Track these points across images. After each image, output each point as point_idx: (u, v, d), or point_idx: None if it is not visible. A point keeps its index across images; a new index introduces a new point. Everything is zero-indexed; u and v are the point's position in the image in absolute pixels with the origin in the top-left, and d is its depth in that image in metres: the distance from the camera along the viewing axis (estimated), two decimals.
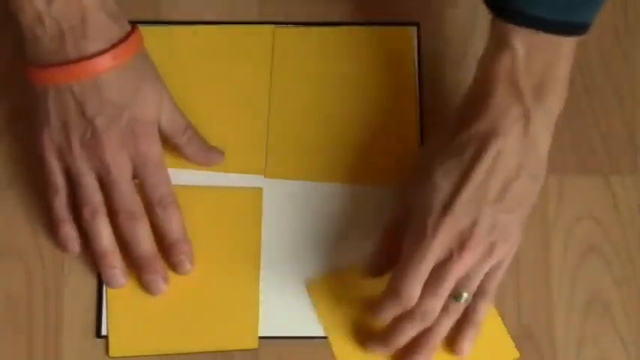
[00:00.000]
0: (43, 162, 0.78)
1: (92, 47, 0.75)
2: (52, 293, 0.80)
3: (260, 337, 0.79)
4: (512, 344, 0.79)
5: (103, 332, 0.79)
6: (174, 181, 0.79)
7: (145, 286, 0.78)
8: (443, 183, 0.73)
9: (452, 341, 0.78)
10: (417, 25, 0.84)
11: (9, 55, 0.84)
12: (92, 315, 0.79)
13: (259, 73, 0.84)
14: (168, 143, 0.80)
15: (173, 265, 0.79)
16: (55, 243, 0.80)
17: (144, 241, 0.78)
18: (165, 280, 0.79)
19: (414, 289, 0.73)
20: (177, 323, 0.79)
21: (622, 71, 0.85)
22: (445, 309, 0.75)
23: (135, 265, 0.79)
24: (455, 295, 0.74)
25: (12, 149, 0.82)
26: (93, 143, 0.76)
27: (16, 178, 0.81)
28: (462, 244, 0.73)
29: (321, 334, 0.79)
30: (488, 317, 0.78)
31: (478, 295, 0.76)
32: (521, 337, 0.80)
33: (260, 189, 0.82)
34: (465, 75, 0.84)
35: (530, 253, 0.81)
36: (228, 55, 0.84)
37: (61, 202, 0.78)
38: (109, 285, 0.79)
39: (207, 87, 0.83)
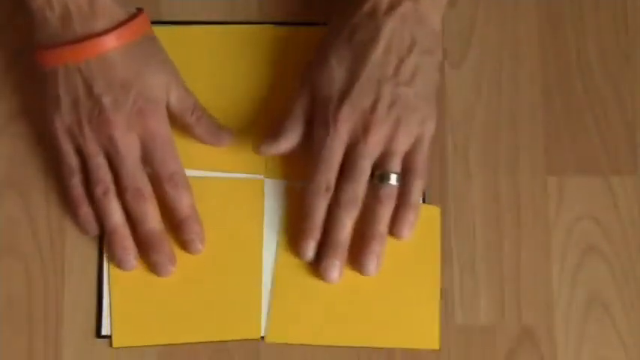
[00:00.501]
0: (56, 145, 0.79)
1: (98, 26, 0.77)
2: (52, 293, 0.80)
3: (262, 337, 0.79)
4: (437, 334, 0.79)
5: (103, 332, 0.79)
6: None
7: (152, 268, 0.79)
8: (338, 70, 0.77)
9: (392, 228, 0.79)
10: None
11: (8, 56, 0.84)
12: (92, 315, 0.79)
13: (259, 73, 0.84)
14: (177, 123, 0.80)
15: (184, 244, 0.79)
16: (53, 241, 0.80)
17: (151, 219, 0.78)
18: (173, 261, 0.79)
19: (327, 178, 0.77)
20: (179, 314, 0.79)
21: (622, 71, 0.85)
22: (377, 195, 0.77)
23: (142, 246, 0.79)
24: (382, 177, 0.77)
25: (12, 149, 0.82)
26: (101, 122, 0.77)
27: (16, 178, 0.81)
28: (365, 125, 0.77)
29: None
30: (426, 301, 0.79)
31: (407, 174, 0.78)
32: (521, 337, 0.80)
33: (261, 180, 0.82)
34: (466, 75, 0.84)
35: (530, 253, 0.81)
36: (228, 55, 0.84)
37: (77, 184, 0.79)
38: (120, 266, 0.79)
39: (207, 87, 0.83)
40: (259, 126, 0.83)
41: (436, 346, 0.79)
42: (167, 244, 0.79)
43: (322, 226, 0.78)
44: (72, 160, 0.79)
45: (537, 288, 0.81)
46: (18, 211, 0.81)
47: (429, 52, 0.79)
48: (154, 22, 0.83)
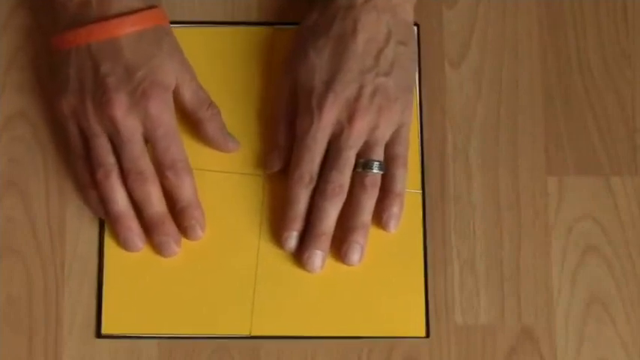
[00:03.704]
0: (63, 127, 0.79)
1: (114, 10, 0.78)
2: (52, 293, 0.80)
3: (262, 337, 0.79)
4: (423, 322, 0.79)
5: (103, 332, 0.79)
6: None
7: (157, 249, 0.79)
8: (318, 61, 0.79)
9: (378, 219, 0.79)
10: (417, 25, 0.84)
11: (8, 56, 0.84)
12: (92, 315, 0.79)
13: (259, 73, 0.84)
14: (190, 118, 0.81)
15: (184, 230, 0.79)
16: (53, 241, 0.80)
17: (154, 201, 0.78)
18: (178, 242, 0.79)
19: (311, 168, 0.78)
20: (171, 305, 0.79)
21: (622, 71, 0.85)
22: (361, 183, 0.78)
23: (147, 229, 0.79)
24: (365, 166, 0.78)
25: (12, 149, 0.82)
26: (104, 102, 0.77)
27: (16, 178, 0.81)
28: (349, 115, 0.78)
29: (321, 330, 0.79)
30: (411, 289, 0.79)
31: (390, 161, 0.79)
32: (521, 337, 0.80)
33: (260, 176, 0.82)
34: (465, 75, 0.84)
35: (530, 253, 0.81)
36: (228, 55, 0.84)
37: (82, 166, 0.79)
38: (126, 248, 0.79)
39: (207, 87, 0.83)
40: (259, 126, 0.83)
41: (422, 334, 0.79)
42: (171, 225, 0.79)
43: (305, 216, 0.79)
44: (77, 141, 0.79)
45: (537, 288, 0.81)
46: (18, 211, 0.81)
47: (404, 42, 0.80)
48: None
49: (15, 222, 0.81)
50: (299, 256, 0.79)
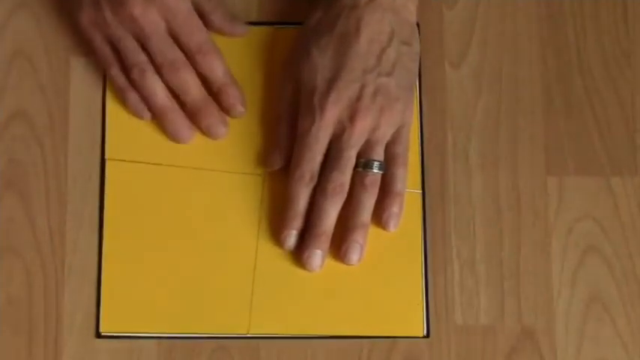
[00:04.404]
0: (89, 41, 0.81)
1: None
2: (52, 293, 0.80)
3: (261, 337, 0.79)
4: (422, 322, 0.79)
5: (103, 332, 0.79)
6: None
7: (206, 133, 0.81)
8: (321, 60, 0.79)
9: (379, 218, 0.79)
10: (417, 25, 0.84)
11: (8, 56, 0.84)
12: (92, 315, 0.79)
13: (259, 73, 0.84)
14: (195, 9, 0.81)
15: (226, 110, 0.81)
16: (53, 241, 0.80)
17: (192, 87, 0.80)
18: (225, 123, 0.81)
19: (312, 167, 0.78)
20: (170, 305, 0.79)
21: (622, 71, 0.85)
22: (362, 182, 0.78)
23: (192, 118, 0.80)
24: (366, 166, 0.78)
25: (12, 149, 0.82)
26: (119, 4, 0.78)
27: (16, 178, 0.81)
28: (351, 114, 0.78)
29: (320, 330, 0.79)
30: (409, 289, 0.79)
31: (390, 161, 0.79)
32: (521, 337, 0.80)
33: (260, 176, 0.82)
34: (465, 75, 0.84)
35: (530, 253, 0.81)
36: (228, 55, 0.84)
37: (117, 73, 0.81)
38: (176, 140, 0.81)
39: None
40: (259, 126, 0.83)
41: (422, 334, 0.79)
42: (215, 107, 0.81)
43: (305, 215, 0.79)
44: (105, 50, 0.80)
45: (537, 288, 0.81)
46: (18, 211, 0.81)
47: (407, 42, 0.80)
48: None
49: (15, 222, 0.81)
50: (299, 256, 0.79)
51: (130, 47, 0.79)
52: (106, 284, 0.79)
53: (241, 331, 0.79)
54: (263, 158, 0.82)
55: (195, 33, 0.80)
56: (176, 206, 0.81)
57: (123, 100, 0.81)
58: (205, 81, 0.81)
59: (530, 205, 0.82)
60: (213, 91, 0.81)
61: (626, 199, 0.82)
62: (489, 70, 0.84)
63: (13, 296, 0.80)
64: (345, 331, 0.79)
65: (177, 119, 0.80)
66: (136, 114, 0.81)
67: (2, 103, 0.83)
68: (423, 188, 0.82)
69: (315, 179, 0.79)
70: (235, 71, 0.83)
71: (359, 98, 0.78)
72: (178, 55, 0.79)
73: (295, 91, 0.81)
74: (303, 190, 0.79)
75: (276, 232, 0.80)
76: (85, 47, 0.82)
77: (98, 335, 0.79)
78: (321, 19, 0.81)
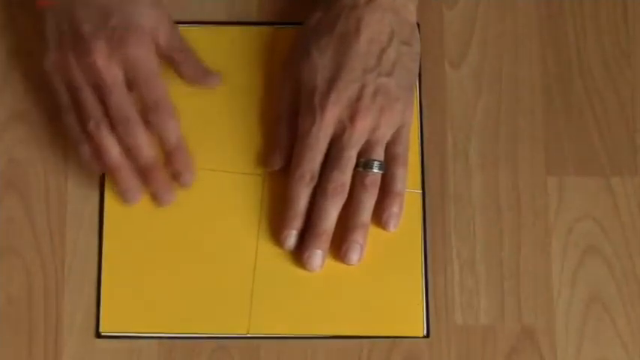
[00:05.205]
0: (50, 85, 0.79)
1: None
2: (52, 293, 0.80)
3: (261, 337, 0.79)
4: (422, 322, 0.79)
5: (103, 332, 0.79)
6: None
7: (153, 199, 0.79)
8: (321, 60, 0.79)
9: (379, 218, 0.79)
10: (417, 25, 0.84)
11: (8, 56, 0.84)
12: (92, 315, 0.79)
13: (259, 73, 0.84)
14: (165, 61, 0.80)
15: (173, 176, 0.79)
16: (53, 241, 0.80)
17: (143, 149, 0.78)
18: (168, 190, 0.79)
19: (312, 167, 0.78)
20: (169, 305, 0.79)
21: (622, 71, 0.85)
22: (362, 182, 0.78)
23: (141, 176, 0.79)
24: (366, 166, 0.78)
25: (12, 149, 0.82)
26: (83, 51, 0.77)
27: (16, 178, 0.81)
28: (351, 115, 0.78)
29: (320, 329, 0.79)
30: (409, 289, 0.79)
31: (390, 161, 0.80)
32: (521, 337, 0.80)
33: (260, 176, 0.82)
34: (465, 75, 0.84)
35: (530, 253, 0.81)
36: (228, 55, 0.84)
37: (72, 122, 0.79)
38: (125, 200, 0.79)
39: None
40: (258, 126, 0.83)
41: (420, 334, 0.79)
42: (162, 173, 0.79)
43: (305, 215, 0.79)
44: (64, 97, 0.79)
45: (537, 288, 0.81)
46: (18, 211, 0.81)
47: (407, 42, 0.80)
48: None
49: (15, 222, 0.81)
50: (299, 256, 0.79)
51: (89, 99, 0.77)
52: (106, 284, 0.79)
53: (241, 331, 0.79)
54: (263, 158, 0.82)
55: (153, 91, 0.78)
56: (176, 206, 0.81)
57: (76, 151, 0.79)
58: (157, 142, 0.79)
59: (530, 205, 0.82)
60: (164, 155, 0.79)
61: (626, 199, 0.82)
62: (489, 70, 0.85)
63: (13, 296, 0.80)
64: (345, 331, 0.79)
65: (127, 179, 0.78)
66: (90, 168, 0.79)
67: (2, 103, 0.83)
68: (423, 188, 0.82)
69: (316, 179, 0.79)
70: (235, 71, 0.84)
71: (359, 98, 0.78)
72: (133, 114, 0.77)
73: (295, 91, 0.81)
74: (303, 190, 0.79)
75: (276, 232, 0.80)
76: None
77: (98, 335, 0.79)
78: (321, 19, 0.81)
